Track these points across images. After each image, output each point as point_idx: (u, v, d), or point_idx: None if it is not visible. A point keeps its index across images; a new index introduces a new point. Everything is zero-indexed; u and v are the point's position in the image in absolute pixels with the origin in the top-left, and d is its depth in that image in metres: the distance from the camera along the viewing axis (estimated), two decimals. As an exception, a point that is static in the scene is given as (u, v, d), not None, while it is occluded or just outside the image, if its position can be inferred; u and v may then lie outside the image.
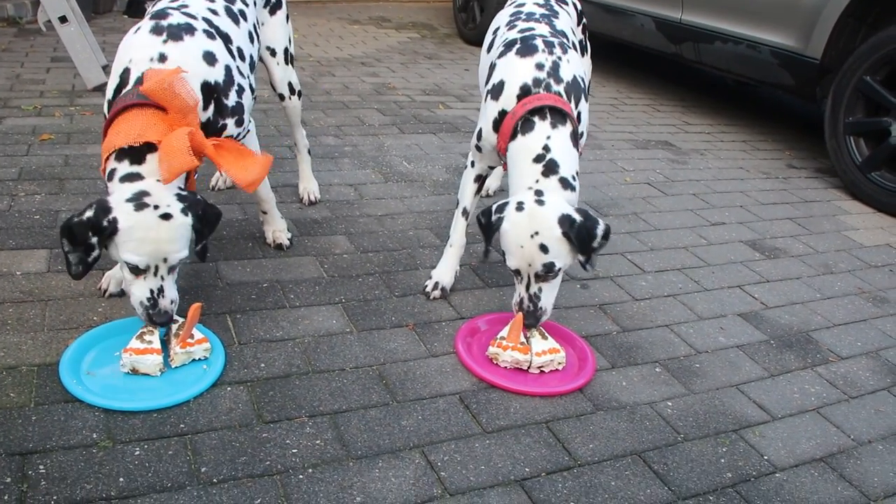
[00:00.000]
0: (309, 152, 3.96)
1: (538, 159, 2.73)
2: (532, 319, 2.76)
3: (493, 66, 3.02)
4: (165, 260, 2.42)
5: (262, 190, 3.20)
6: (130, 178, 2.41)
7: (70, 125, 4.70)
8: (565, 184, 2.73)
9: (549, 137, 2.74)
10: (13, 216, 3.46)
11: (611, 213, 4.37)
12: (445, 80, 6.88)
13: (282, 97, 3.68)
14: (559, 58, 2.89)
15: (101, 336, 2.64)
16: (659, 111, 6.79)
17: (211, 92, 2.60)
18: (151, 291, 2.46)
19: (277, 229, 3.38)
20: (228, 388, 2.51)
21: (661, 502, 2.27)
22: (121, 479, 2.09)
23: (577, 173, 2.79)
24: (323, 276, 3.28)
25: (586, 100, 3.00)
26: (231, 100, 2.69)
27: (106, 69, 5.56)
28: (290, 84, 3.65)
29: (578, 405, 2.66)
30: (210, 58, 2.62)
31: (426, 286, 3.23)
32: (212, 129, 2.62)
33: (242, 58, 2.85)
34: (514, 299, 2.82)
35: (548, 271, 2.69)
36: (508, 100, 2.86)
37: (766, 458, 2.52)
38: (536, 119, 2.77)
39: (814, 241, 4.34)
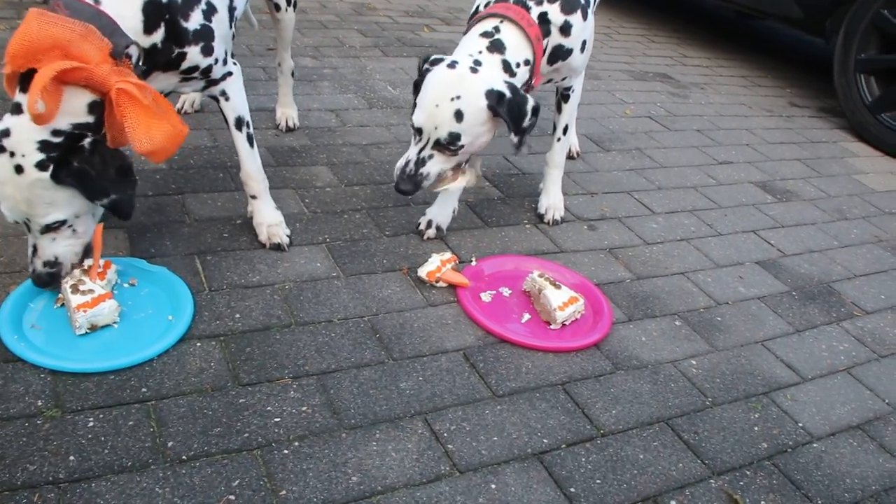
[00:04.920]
0: (293, 74, 3.58)
1: (486, 35, 2.62)
2: (409, 185, 2.57)
3: None
4: (29, 220, 2.07)
5: (251, 166, 2.61)
6: (15, 108, 2.00)
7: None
8: (507, 67, 2.59)
9: (501, 21, 2.63)
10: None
11: (613, 147, 4.07)
12: (429, 2, 6.45)
13: (277, 7, 3.31)
14: None
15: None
16: (654, 42, 6.48)
17: (159, 12, 2.12)
18: (33, 248, 2.13)
19: (272, 223, 2.69)
20: (198, 344, 2.18)
21: (696, 478, 2.05)
22: (71, 458, 1.77)
23: (524, 62, 2.63)
24: (304, 211, 2.94)
25: (584, 17, 2.75)
26: (193, 21, 2.21)
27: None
28: None
29: (596, 364, 2.39)
30: None
31: (419, 224, 2.93)
32: (163, 58, 2.19)
33: None
34: (399, 162, 2.59)
35: (450, 143, 2.51)
36: None
37: (800, 425, 2.32)
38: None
39: (824, 185, 4.14)
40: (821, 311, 2.92)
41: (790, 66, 6.50)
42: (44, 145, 1.97)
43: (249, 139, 2.57)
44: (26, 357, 2.01)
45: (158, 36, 2.14)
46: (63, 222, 2.08)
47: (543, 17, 2.65)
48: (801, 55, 6.93)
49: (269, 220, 2.69)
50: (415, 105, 2.56)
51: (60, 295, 2.21)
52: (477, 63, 2.53)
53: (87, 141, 2.00)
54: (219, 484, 1.76)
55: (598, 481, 1.96)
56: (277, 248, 2.66)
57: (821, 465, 2.16)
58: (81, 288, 2.15)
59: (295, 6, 3.36)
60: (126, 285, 2.34)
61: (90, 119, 2.03)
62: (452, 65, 2.52)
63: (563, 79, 2.95)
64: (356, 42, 5.06)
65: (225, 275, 2.49)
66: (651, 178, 3.78)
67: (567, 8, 2.67)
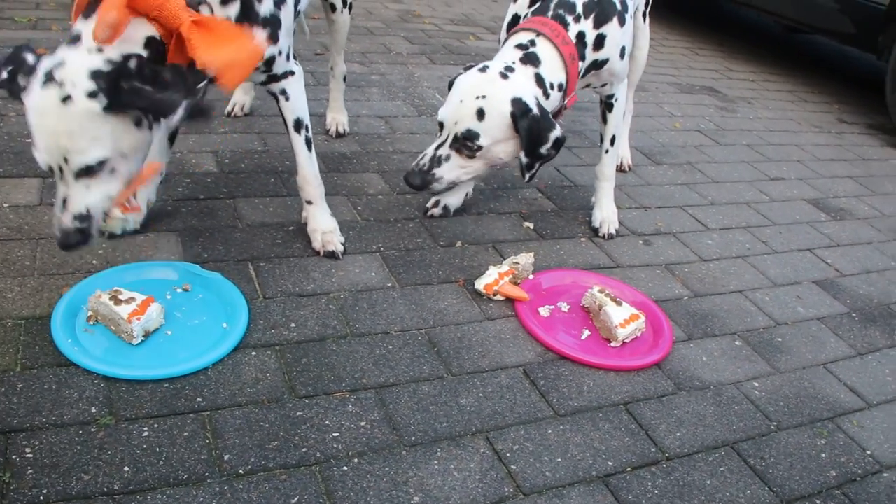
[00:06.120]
0: (344, 79, 3.51)
1: (520, 47, 2.57)
2: (417, 179, 2.51)
3: None
4: (67, 160, 1.87)
5: (308, 170, 2.55)
6: (73, 39, 1.87)
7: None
8: (540, 81, 2.53)
9: (537, 36, 2.57)
10: (2, 139, 3.00)
11: (664, 161, 3.97)
12: (473, 11, 6.39)
13: (333, 8, 3.25)
14: None
15: (103, 284, 2.20)
16: (698, 55, 6.38)
17: None
18: (63, 201, 1.93)
19: (327, 230, 2.62)
20: (253, 353, 2.11)
21: (765, 506, 1.95)
22: (126, 469, 1.70)
23: (558, 86, 2.57)
24: (357, 219, 2.87)
25: (621, 23, 2.67)
26: (265, 6, 2.18)
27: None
28: None
29: (658, 384, 2.31)
30: None
31: (428, 205, 2.99)
32: None
33: None
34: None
35: (466, 139, 2.45)
36: (521, 5, 2.74)
37: (868, 452, 2.22)
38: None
39: (879, 203, 4.02)
40: (882, 333, 2.81)
41: (836, 81, 6.38)
42: (96, 74, 1.82)
43: (308, 143, 2.51)
44: (80, 362, 1.93)
45: (233, 10, 2.07)
46: (103, 163, 1.90)
47: (581, 37, 2.58)
48: (847, 70, 6.81)
49: (323, 226, 2.62)
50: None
51: (91, 313, 2.09)
52: (509, 69, 2.48)
53: (132, 61, 1.86)
54: (277, 500, 1.68)
55: (665, 507, 1.88)
56: (332, 255, 2.59)
57: (892, 497, 2.06)
58: (121, 297, 2.06)
59: (350, 8, 3.30)
60: (179, 290, 2.28)
61: (143, 53, 1.90)
62: (484, 68, 2.49)
63: (604, 85, 2.87)
64: (403, 49, 5.01)
65: (279, 282, 2.42)
66: (703, 193, 3.68)
67: (600, 19, 2.61)
